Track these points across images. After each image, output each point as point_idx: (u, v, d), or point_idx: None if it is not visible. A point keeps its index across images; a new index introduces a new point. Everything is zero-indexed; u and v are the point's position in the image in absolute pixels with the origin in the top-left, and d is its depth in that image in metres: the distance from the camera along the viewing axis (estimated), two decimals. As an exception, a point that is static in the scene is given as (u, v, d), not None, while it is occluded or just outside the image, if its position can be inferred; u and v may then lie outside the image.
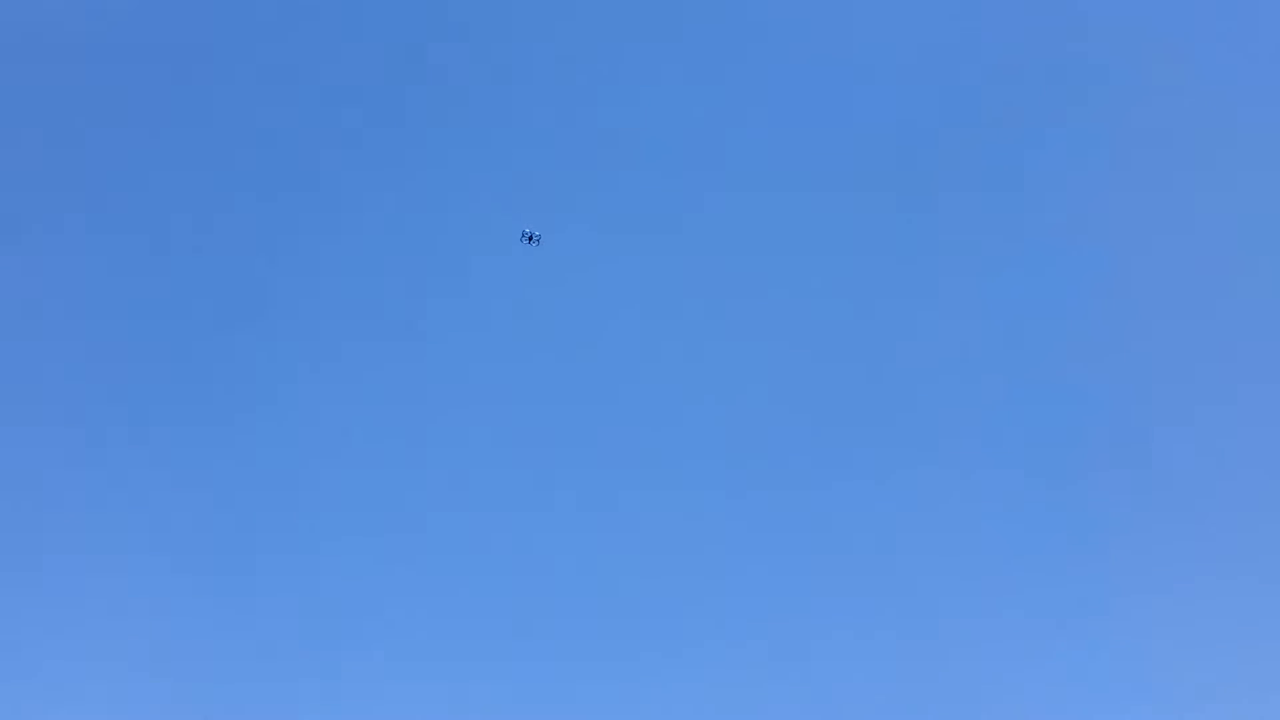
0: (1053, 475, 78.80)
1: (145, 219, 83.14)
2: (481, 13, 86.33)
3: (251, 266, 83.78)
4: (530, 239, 73.27)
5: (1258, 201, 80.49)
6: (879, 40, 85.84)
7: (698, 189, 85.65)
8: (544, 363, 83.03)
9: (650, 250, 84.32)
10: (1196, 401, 78.73)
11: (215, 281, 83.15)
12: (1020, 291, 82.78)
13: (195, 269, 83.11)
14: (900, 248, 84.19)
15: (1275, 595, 73.46)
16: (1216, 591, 74.23)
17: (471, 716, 73.98)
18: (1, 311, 78.96)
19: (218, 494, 78.89)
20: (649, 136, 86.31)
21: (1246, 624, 73.04)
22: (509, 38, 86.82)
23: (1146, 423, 79.02)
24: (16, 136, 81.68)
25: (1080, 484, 78.24)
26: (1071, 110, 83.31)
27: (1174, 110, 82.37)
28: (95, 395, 79.44)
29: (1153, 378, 79.64)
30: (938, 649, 74.71)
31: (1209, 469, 77.31)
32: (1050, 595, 75.95)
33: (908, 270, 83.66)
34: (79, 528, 76.44)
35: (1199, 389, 78.93)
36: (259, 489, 79.46)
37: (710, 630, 76.25)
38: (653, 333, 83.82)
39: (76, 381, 79.33)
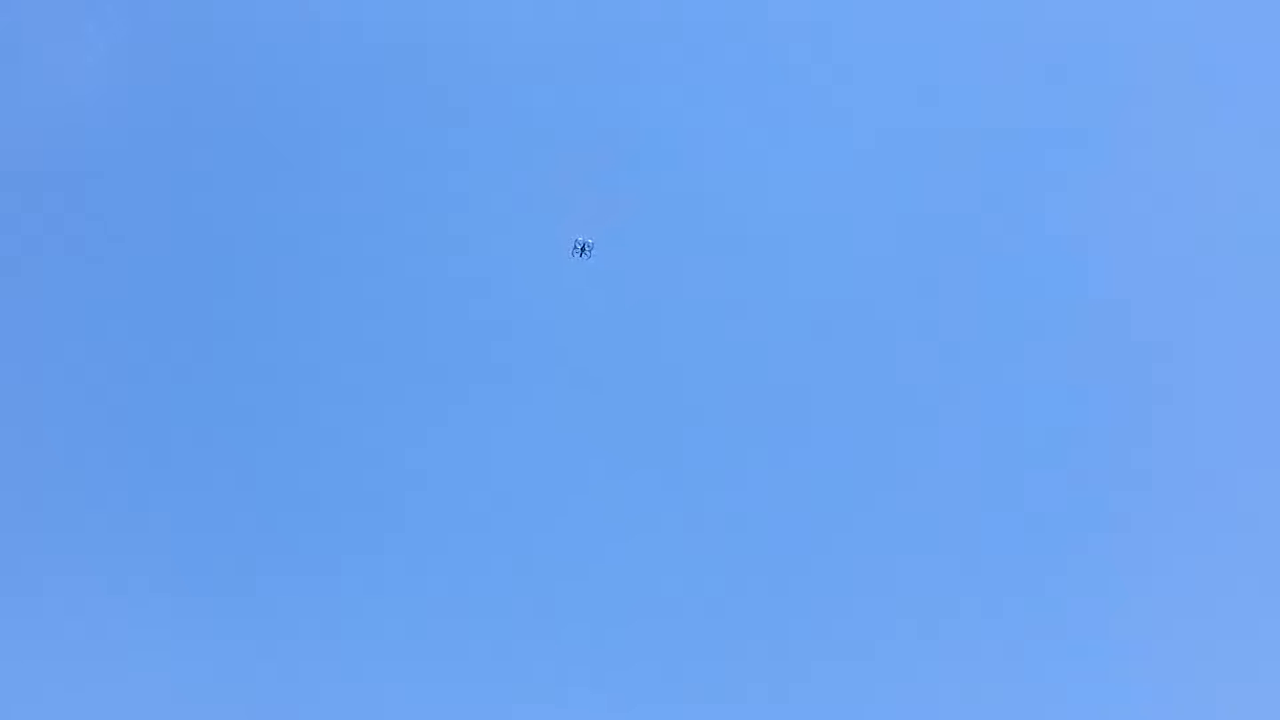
0: (1051, 476, 79.22)
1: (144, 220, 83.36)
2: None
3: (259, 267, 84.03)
4: (583, 250, 69.69)
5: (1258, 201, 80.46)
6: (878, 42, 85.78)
7: (695, 185, 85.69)
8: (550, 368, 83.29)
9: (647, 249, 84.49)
10: (1196, 402, 78.93)
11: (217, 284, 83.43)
12: (1019, 291, 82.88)
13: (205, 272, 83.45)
14: (899, 249, 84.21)
15: (1274, 595, 73.76)
16: (1215, 591, 74.63)
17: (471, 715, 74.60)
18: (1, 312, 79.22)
19: (218, 495, 79.52)
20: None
21: (1246, 623, 73.40)
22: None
23: (1146, 423, 79.28)
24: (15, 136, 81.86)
25: (1080, 484, 78.66)
26: (1072, 110, 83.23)
27: (1173, 110, 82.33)
28: (92, 397, 79.93)
29: (1152, 377, 79.85)
30: (937, 649, 75.23)
31: (1208, 468, 77.64)
32: (1049, 595, 76.47)
33: (907, 269, 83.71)
34: (78, 528, 77.03)
35: (1198, 389, 79.11)
36: (259, 489, 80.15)
37: (710, 631, 76.87)
38: (648, 330, 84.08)
39: (75, 383, 79.80)
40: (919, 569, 77.66)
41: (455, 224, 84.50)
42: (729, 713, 74.69)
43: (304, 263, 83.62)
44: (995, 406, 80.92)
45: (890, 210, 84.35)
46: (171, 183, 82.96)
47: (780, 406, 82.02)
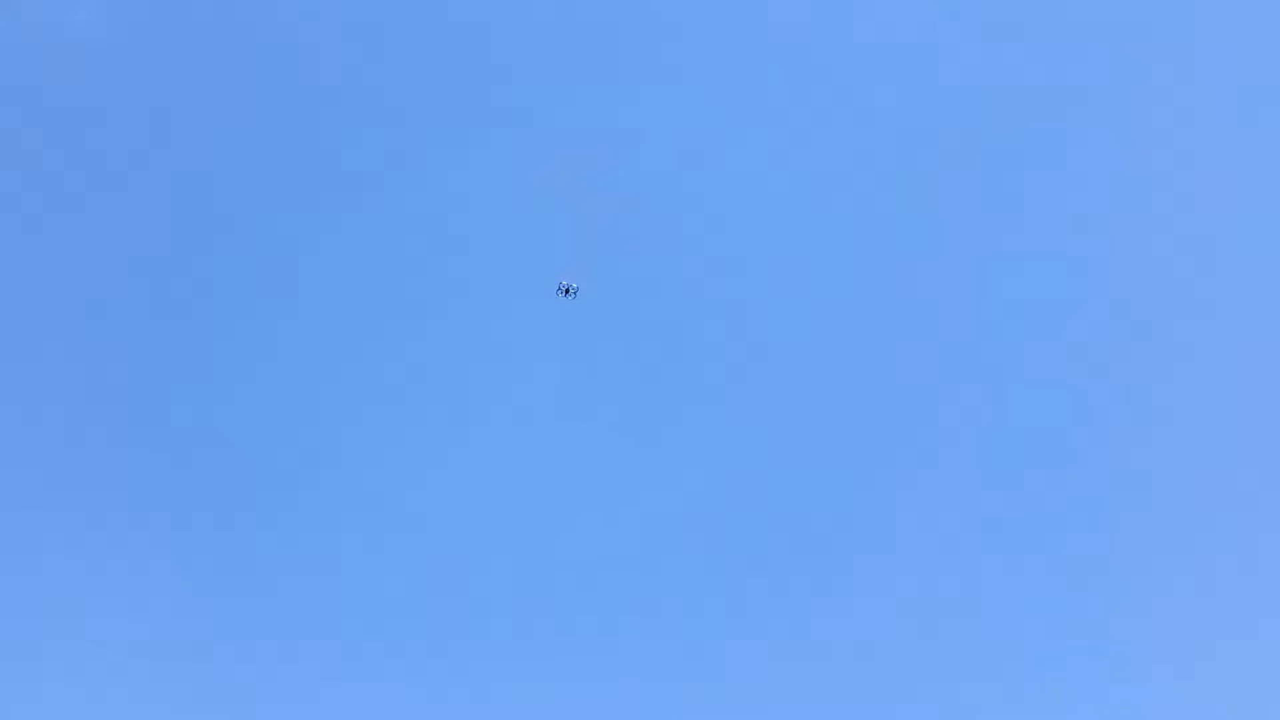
0: (1050, 475, 79.39)
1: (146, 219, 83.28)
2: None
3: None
4: (567, 292, 71.56)
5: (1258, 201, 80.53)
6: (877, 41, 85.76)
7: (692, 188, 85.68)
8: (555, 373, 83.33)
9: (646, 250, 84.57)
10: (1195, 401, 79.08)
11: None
12: (1019, 292, 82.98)
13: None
14: (899, 247, 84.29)
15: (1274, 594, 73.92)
16: (1214, 591, 74.84)
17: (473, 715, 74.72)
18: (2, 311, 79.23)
19: (219, 493, 79.57)
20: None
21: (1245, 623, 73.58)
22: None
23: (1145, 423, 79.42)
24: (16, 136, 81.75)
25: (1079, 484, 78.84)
26: (1071, 110, 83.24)
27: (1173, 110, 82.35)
28: (93, 395, 79.95)
29: (1150, 378, 79.97)
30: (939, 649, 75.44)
31: (1207, 468, 77.77)
32: (1050, 595, 76.67)
33: (907, 269, 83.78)
34: (79, 527, 77.08)
35: (1197, 389, 79.24)
36: (260, 488, 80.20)
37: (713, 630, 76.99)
38: (646, 329, 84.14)
39: (76, 382, 79.82)
40: (918, 568, 77.89)
41: (453, 221, 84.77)
42: (729, 712, 74.79)
43: (298, 259, 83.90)
44: (995, 406, 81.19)
45: (890, 210, 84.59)
46: (160, 178, 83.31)
47: (780, 406, 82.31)
